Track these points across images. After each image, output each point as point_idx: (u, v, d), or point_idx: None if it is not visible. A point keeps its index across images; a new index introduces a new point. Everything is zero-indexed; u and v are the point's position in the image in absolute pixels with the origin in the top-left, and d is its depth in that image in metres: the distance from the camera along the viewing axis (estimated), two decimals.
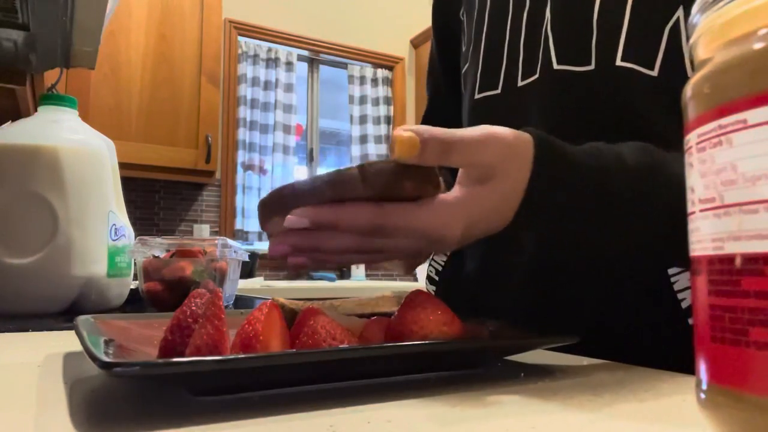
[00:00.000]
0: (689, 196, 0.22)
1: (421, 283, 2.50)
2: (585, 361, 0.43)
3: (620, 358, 0.42)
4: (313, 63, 3.26)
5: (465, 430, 0.25)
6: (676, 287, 0.47)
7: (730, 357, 0.19)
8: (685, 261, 0.23)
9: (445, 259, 0.70)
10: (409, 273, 0.43)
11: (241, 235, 2.83)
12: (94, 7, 0.79)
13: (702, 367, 0.21)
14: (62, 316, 0.69)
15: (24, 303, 0.70)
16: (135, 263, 0.80)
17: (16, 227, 0.70)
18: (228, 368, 0.27)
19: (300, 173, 3.18)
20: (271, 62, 2.99)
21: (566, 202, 0.38)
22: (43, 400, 0.29)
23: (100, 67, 2.22)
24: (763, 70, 0.19)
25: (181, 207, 2.74)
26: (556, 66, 0.53)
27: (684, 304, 0.47)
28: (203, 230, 2.74)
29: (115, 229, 0.77)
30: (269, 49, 3.00)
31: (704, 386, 0.21)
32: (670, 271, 0.48)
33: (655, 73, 0.48)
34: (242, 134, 2.88)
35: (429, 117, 0.76)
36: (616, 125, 0.49)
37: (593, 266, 0.51)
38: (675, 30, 0.48)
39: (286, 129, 3.00)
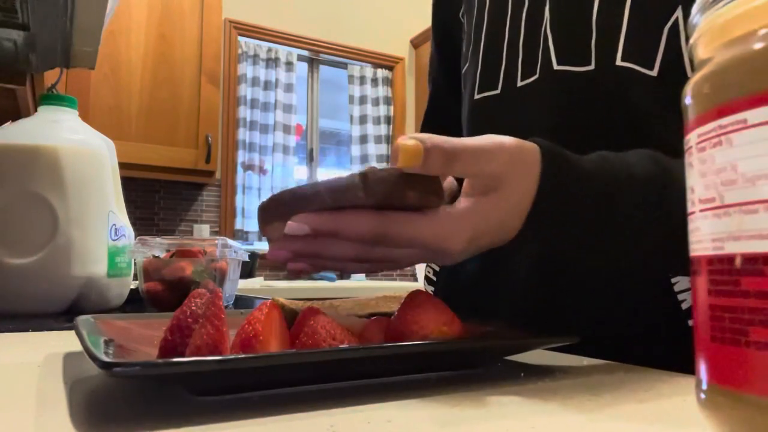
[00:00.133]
0: (689, 196, 0.22)
1: (420, 284, 2.50)
2: (585, 361, 0.43)
3: (620, 359, 0.42)
4: (313, 63, 3.26)
5: (465, 430, 0.25)
6: (676, 288, 0.47)
7: (730, 357, 0.19)
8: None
9: None
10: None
11: (241, 235, 2.83)
12: (94, 7, 0.79)
13: (702, 368, 0.21)
14: (62, 316, 0.69)
15: (24, 303, 0.70)
16: (135, 263, 0.80)
17: (16, 227, 0.70)
18: (228, 368, 0.27)
19: (300, 173, 3.18)
20: (271, 62, 2.99)
21: (574, 214, 0.37)
22: (43, 400, 0.29)
23: (100, 67, 2.22)
24: (763, 70, 0.19)
25: (181, 207, 2.74)
26: (555, 66, 0.53)
27: (684, 306, 0.47)
28: (203, 230, 2.74)
29: (115, 229, 0.77)
30: (269, 49, 3.00)
31: (704, 386, 0.21)
32: None
33: (654, 73, 0.48)
34: (242, 134, 2.88)
35: (430, 117, 0.76)
36: (616, 125, 0.49)
37: (594, 269, 0.51)
38: (674, 30, 0.48)
39: (286, 129, 3.00)
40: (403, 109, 3.34)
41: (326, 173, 3.37)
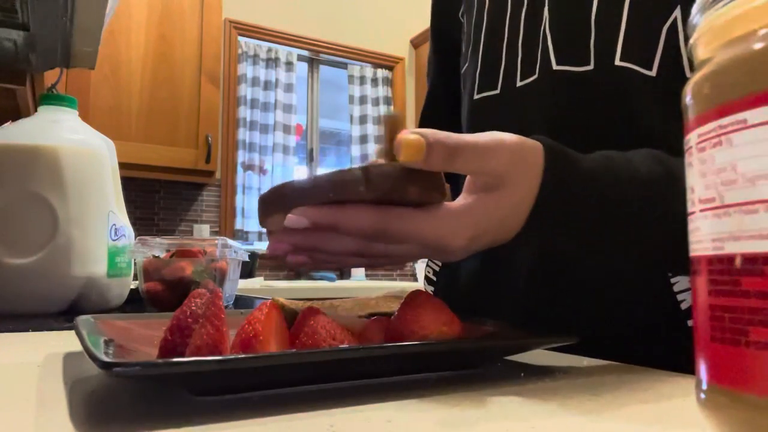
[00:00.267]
0: (689, 196, 0.22)
1: (420, 284, 2.50)
2: (585, 361, 0.43)
3: (620, 359, 0.42)
4: (313, 63, 3.26)
5: (465, 430, 0.25)
6: (675, 288, 0.47)
7: (730, 357, 0.19)
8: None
9: None
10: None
11: (241, 235, 2.83)
12: (94, 7, 0.79)
13: (702, 367, 0.21)
14: (62, 316, 0.69)
15: (24, 303, 0.70)
16: (135, 263, 0.80)
17: (16, 227, 0.70)
18: (228, 368, 0.27)
19: (300, 173, 3.18)
20: (271, 62, 2.99)
21: (577, 213, 0.37)
22: (43, 400, 0.29)
23: (100, 67, 2.22)
24: (763, 70, 0.19)
25: (181, 207, 2.74)
26: (555, 66, 0.53)
27: (684, 306, 0.47)
28: (203, 230, 2.74)
29: (115, 229, 0.77)
30: (269, 49, 3.00)
31: (704, 386, 0.21)
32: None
33: (653, 73, 0.48)
34: (242, 134, 2.88)
35: (426, 117, 0.76)
36: (615, 125, 0.49)
37: (594, 269, 0.51)
38: (673, 30, 0.48)
39: (286, 129, 3.00)
40: (403, 109, 3.34)
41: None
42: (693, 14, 0.22)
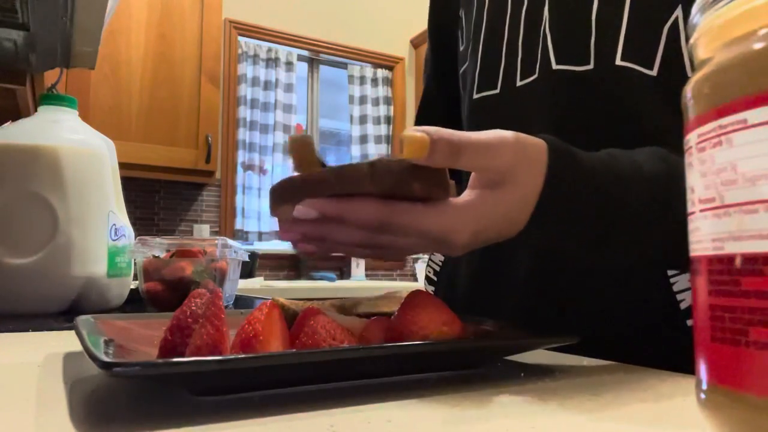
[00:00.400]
0: (689, 196, 0.22)
1: (420, 283, 2.50)
2: (585, 361, 0.43)
3: (620, 358, 0.42)
4: (313, 63, 3.26)
5: (465, 430, 0.25)
6: (675, 288, 0.47)
7: (730, 357, 0.19)
8: None
9: (443, 259, 0.70)
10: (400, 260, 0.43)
11: (241, 235, 2.83)
12: (94, 7, 0.79)
13: (702, 367, 0.21)
14: (62, 316, 0.69)
15: (24, 303, 0.70)
16: (135, 263, 0.80)
17: (16, 227, 0.70)
18: (228, 368, 0.27)
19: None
20: (271, 62, 2.99)
21: (580, 210, 0.37)
22: (43, 400, 0.29)
23: (100, 67, 2.22)
24: (763, 70, 0.19)
25: (181, 207, 2.74)
26: (554, 66, 0.53)
27: (683, 305, 0.47)
28: (203, 230, 2.74)
29: (115, 229, 0.77)
30: (269, 49, 3.00)
31: (704, 386, 0.21)
32: (670, 272, 0.48)
33: (654, 72, 0.48)
34: (242, 134, 2.88)
35: (421, 116, 0.76)
36: (616, 125, 0.49)
37: (593, 267, 0.51)
38: (674, 29, 0.48)
39: (286, 129, 3.00)
40: (403, 109, 3.34)
41: None
42: (693, 14, 0.22)
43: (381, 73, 3.32)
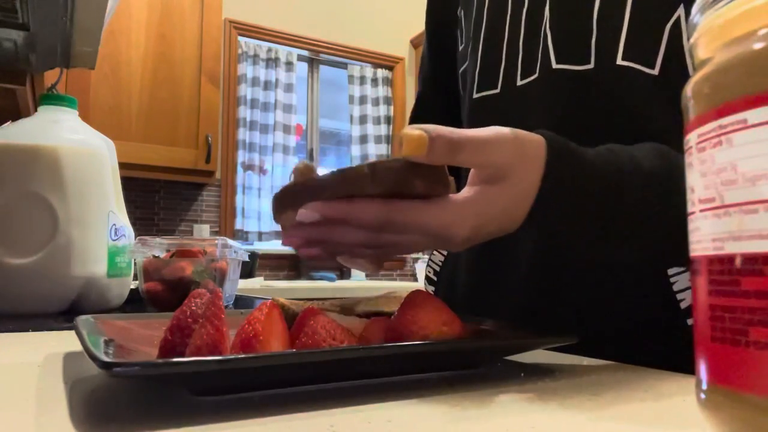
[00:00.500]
0: (689, 196, 0.22)
1: (420, 284, 2.50)
2: (585, 361, 0.43)
3: (620, 358, 0.42)
4: (313, 63, 3.26)
5: (465, 429, 0.25)
6: (675, 288, 0.47)
7: (730, 357, 0.19)
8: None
9: (442, 259, 0.70)
10: (377, 270, 0.43)
11: (241, 235, 2.83)
12: (94, 7, 0.79)
13: (702, 367, 0.21)
14: (62, 316, 0.69)
15: (24, 303, 0.70)
16: (135, 263, 0.80)
17: (16, 227, 0.70)
18: (228, 368, 0.27)
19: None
20: (271, 62, 2.99)
21: (579, 205, 0.37)
22: (43, 400, 0.29)
23: (100, 67, 2.22)
24: (763, 70, 0.19)
25: (181, 207, 2.74)
26: (555, 65, 0.53)
27: (683, 305, 0.47)
28: (203, 230, 2.74)
29: (115, 229, 0.77)
30: (269, 49, 3.00)
31: (704, 386, 0.21)
32: (670, 271, 0.48)
33: (655, 72, 0.48)
34: (242, 134, 2.88)
35: (416, 115, 0.77)
36: (617, 124, 0.49)
37: (593, 267, 0.51)
38: (676, 29, 0.48)
39: (286, 129, 3.00)
40: (403, 109, 3.34)
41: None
42: (693, 14, 0.22)
43: (381, 73, 3.32)
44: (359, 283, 2.82)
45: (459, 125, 0.66)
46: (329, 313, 0.39)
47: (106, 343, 0.32)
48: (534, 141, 0.37)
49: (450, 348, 0.34)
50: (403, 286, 2.68)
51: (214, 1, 2.58)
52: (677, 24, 0.48)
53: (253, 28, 2.95)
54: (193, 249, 0.77)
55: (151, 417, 0.26)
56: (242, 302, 0.83)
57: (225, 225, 2.82)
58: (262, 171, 2.92)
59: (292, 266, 2.93)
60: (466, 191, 0.37)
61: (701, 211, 0.21)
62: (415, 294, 0.37)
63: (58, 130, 0.75)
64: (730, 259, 0.19)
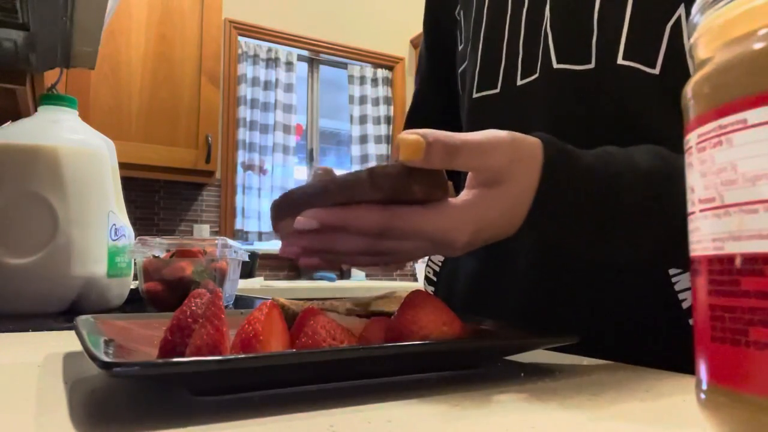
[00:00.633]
0: (689, 196, 0.22)
1: (420, 284, 2.50)
2: (585, 361, 0.43)
3: (620, 358, 0.42)
4: (313, 63, 3.26)
5: (465, 429, 0.25)
6: (676, 287, 0.47)
7: (730, 357, 0.19)
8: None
9: (442, 259, 0.70)
10: (380, 272, 0.43)
11: (241, 235, 2.83)
12: (94, 7, 0.79)
13: (702, 367, 0.21)
14: (62, 316, 0.69)
15: (24, 303, 0.70)
16: (135, 263, 0.80)
17: (16, 227, 0.70)
18: (228, 368, 0.27)
19: (300, 173, 3.18)
20: (271, 62, 2.99)
21: (576, 207, 0.37)
22: (43, 400, 0.29)
23: (100, 67, 2.22)
24: (763, 70, 0.19)
25: (181, 207, 2.74)
26: (555, 65, 0.53)
27: (685, 305, 0.47)
28: (203, 230, 2.74)
29: (115, 229, 0.77)
30: (269, 49, 3.00)
31: (704, 386, 0.21)
32: (671, 271, 0.48)
33: (656, 71, 0.48)
34: (242, 134, 2.88)
35: (413, 115, 0.76)
36: (617, 124, 0.49)
37: (594, 266, 0.51)
38: (676, 28, 0.48)
39: (286, 129, 3.00)
40: (404, 109, 3.34)
41: None
42: (693, 14, 0.22)
43: (381, 73, 3.32)
44: (359, 283, 2.82)
45: (457, 124, 0.66)
46: (329, 313, 0.39)
47: (106, 343, 0.32)
48: (531, 143, 0.37)
49: (450, 348, 0.34)
50: (403, 286, 2.68)
51: (214, 1, 2.58)
52: (678, 23, 0.48)
53: (253, 28, 2.95)
54: (193, 249, 0.77)
55: (151, 417, 0.26)
56: (242, 302, 0.83)
57: (225, 225, 2.82)
58: (262, 171, 2.92)
59: (292, 266, 2.93)
60: (464, 195, 0.37)
61: (701, 211, 0.21)
62: (415, 294, 0.37)
63: (58, 130, 0.75)
64: (730, 259, 0.19)
